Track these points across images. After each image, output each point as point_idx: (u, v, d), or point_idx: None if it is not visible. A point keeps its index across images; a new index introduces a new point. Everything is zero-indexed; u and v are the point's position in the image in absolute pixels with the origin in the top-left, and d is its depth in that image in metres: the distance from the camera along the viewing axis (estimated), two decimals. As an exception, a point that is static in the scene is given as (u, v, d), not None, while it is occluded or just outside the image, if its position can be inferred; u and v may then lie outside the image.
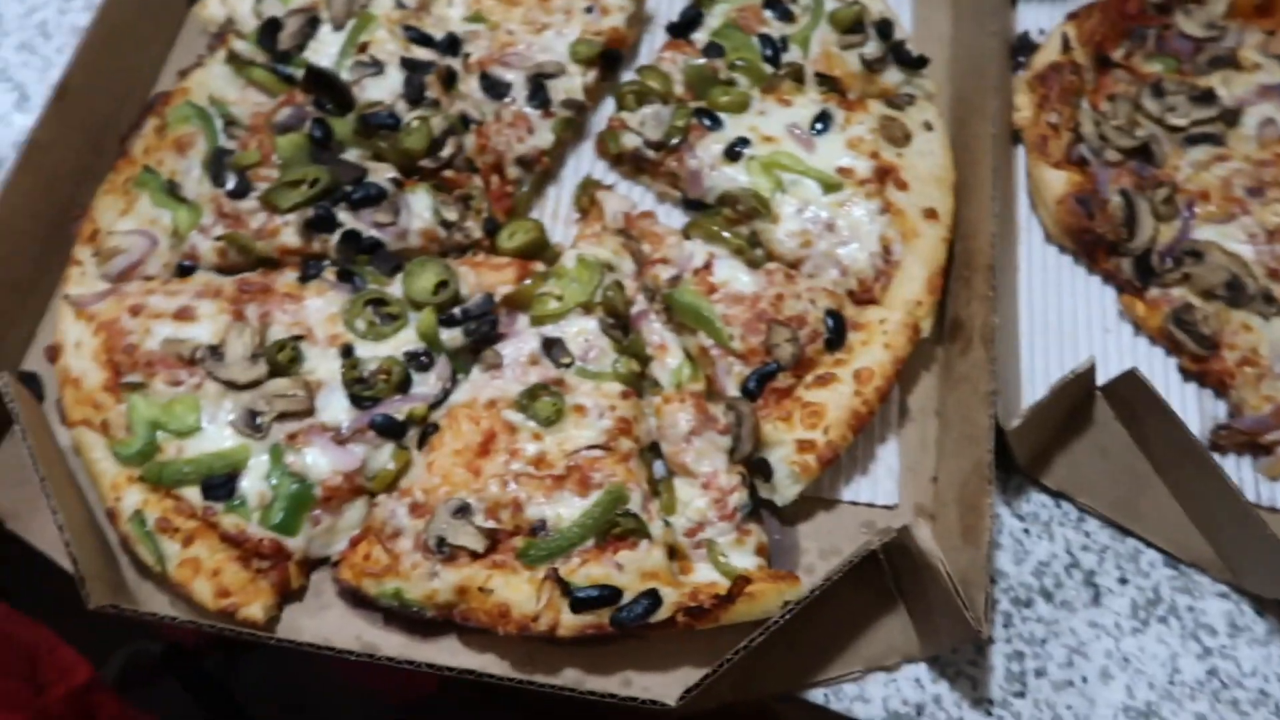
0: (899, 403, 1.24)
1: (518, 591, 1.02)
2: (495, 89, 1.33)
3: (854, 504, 1.18)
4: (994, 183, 1.24)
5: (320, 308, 1.15)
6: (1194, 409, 1.27)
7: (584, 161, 1.40)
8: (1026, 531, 1.19)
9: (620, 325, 1.19)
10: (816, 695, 1.08)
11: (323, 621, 1.08)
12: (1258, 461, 1.23)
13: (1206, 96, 1.41)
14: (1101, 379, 1.18)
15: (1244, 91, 1.43)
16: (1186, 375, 1.29)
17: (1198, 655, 1.13)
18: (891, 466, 1.19)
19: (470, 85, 1.34)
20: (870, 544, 1.00)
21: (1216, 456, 1.23)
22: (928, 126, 1.36)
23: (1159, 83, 1.43)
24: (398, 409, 1.11)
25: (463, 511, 1.05)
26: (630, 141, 1.34)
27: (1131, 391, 1.13)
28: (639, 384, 1.17)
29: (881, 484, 1.19)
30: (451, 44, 1.36)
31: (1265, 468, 1.22)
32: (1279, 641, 1.14)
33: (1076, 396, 1.17)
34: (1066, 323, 1.32)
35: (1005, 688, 1.10)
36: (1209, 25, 1.49)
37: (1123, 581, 1.17)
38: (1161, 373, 1.29)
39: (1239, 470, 1.23)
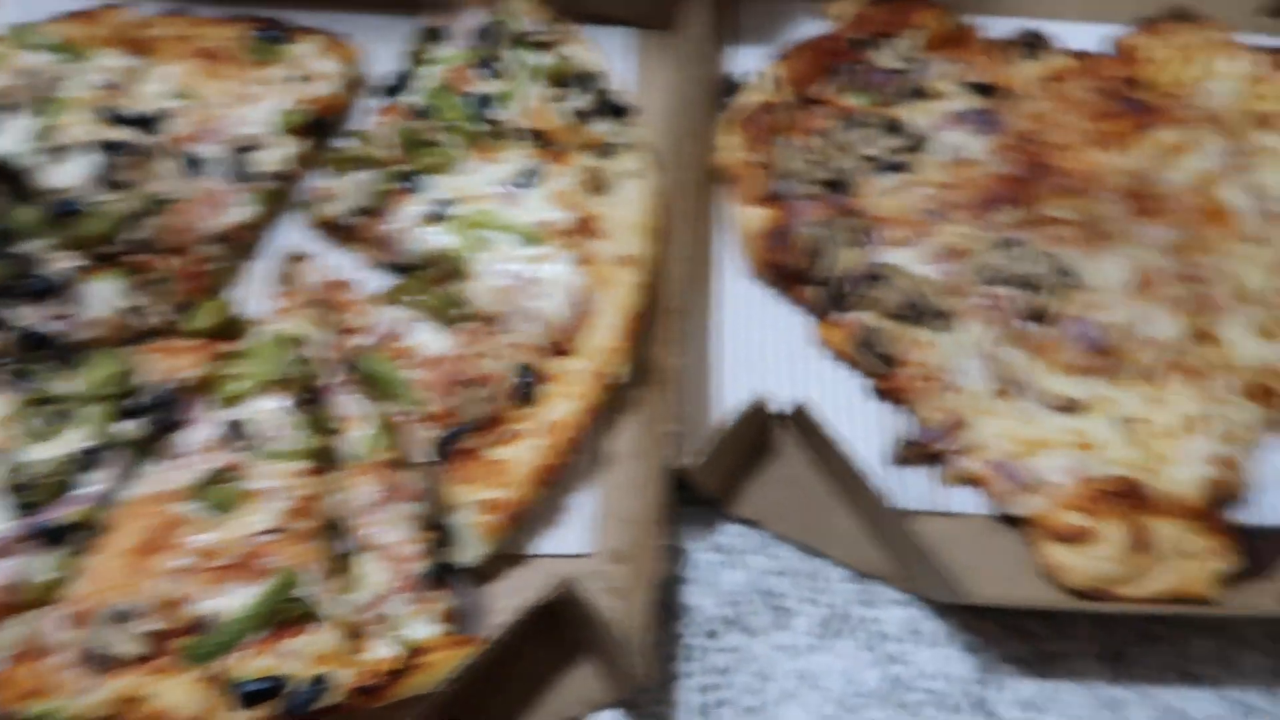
0: (599, 449, 1.14)
1: (182, 694, 0.89)
2: (195, 166, 1.19)
3: (549, 557, 1.07)
4: (685, 228, 1.15)
5: (-11, 411, 1.00)
6: (883, 426, 1.19)
7: (292, 232, 1.26)
8: (720, 563, 1.10)
9: (309, 399, 1.07)
10: (508, 753, 0.98)
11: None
12: (937, 471, 1.16)
13: (896, 126, 1.34)
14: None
15: (932, 120, 1.36)
16: (878, 394, 1.21)
17: (876, 664, 1.06)
18: (586, 515, 1.09)
19: (170, 163, 1.19)
20: (530, 603, 0.90)
21: (900, 469, 1.17)
22: (631, 174, 1.26)
23: (852, 115, 1.35)
24: (62, 513, 0.96)
25: (122, 617, 0.91)
26: (334, 209, 1.21)
27: (804, 421, 1.05)
28: (327, 459, 1.04)
29: (575, 533, 1.08)
30: (152, 121, 1.21)
31: (943, 476, 1.16)
32: (951, 642, 1.08)
33: (756, 429, 1.08)
34: (769, 354, 1.23)
35: (694, 723, 1.02)
36: (902, 59, 1.41)
37: (809, 600, 1.09)
38: (855, 394, 1.21)
39: (921, 481, 1.16)
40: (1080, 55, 1.46)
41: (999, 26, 1.52)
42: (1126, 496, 1.09)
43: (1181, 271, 1.25)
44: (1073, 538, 1.08)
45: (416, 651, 0.92)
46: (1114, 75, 1.44)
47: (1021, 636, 1.09)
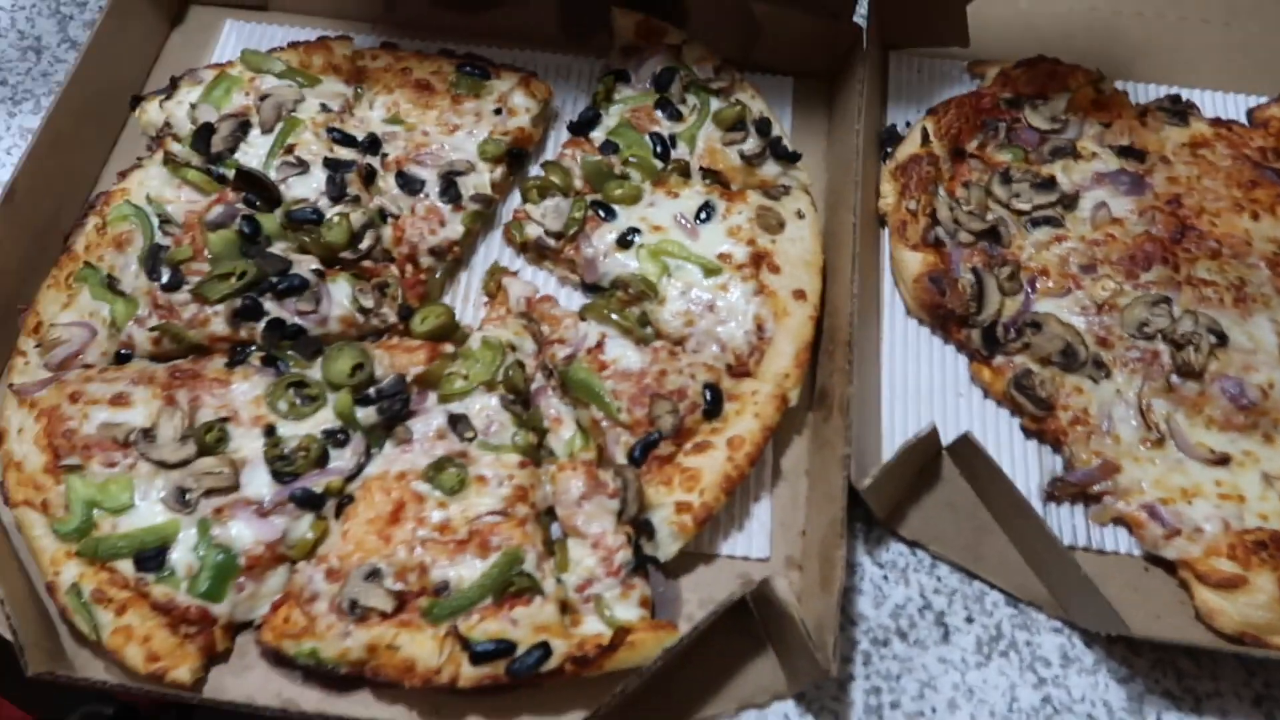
0: (772, 464, 1.33)
1: (422, 648, 1.09)
2: (410, 186, 1.42)
3: (731, 558, 1.27)
4: (853, 267, 1.35)
5: (246, 391, 1.23)
6: (1034, 464, 1.38)
7: (493, 248, 1.49)
8: (885, 578, 1.29)
9: (520, 401, 1.28)
10: (696, 733, 1.17)
11: (246, 681, 1.14)
12: (1089, 510, 1.34)
13: (1048, 183, 1.54)
14: (954, 438, 1.28)
15: (1081, 178, 1.56)
16: (1028, 434, 1.40)
17: (1034, 685, 1.23)
18: (764, 523, 1.29)
19: (388, 182, 1.43)
20: (733, 596, 1.09)
21: (1053, 506, 1.35)
22: (799, 215, 1.47)
23: (1007, 171, 1.56)
24: (316, 482, 1.18)
25: (374, 575, 1.13)
26: (533, 231, 1.44)
27: (968, 452, 1.24)
28: (536, 454, 1.26)
29: (755, 539, 1.28)
30: (372, 144, 1.45)
31: (1095, 515, 1.34)
32: (1104, 670, 1.24)
33: (925, 456, 1.27)
34: (924, 388, 1.42)
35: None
36: (1052, 119, 1.62)
37: (969, 620, 1.27)
38: (1007, 432, 1.40)
39: (1073, 518, 1.34)
40: (1221, 123, 1.67)
41: (1144, 93, 1.73)
42: (1277, 549, 1.26)
43: (1329, 341, 1.42)
44: (1225, 584, 1.25)
45: (623, 631, 1.12)
46: (1255, 145, 1.64)
47: (1171, 673, 1.25)
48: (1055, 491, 1.34)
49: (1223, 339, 1.39)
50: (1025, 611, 1.28)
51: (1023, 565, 1.28)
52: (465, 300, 1.44)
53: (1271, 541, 1.26)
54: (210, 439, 1.18)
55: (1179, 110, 1.67)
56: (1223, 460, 1.34)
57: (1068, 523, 1.34)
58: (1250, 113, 1.73)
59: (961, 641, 1.25)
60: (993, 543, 1.29)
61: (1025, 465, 1.38)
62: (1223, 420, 1.36)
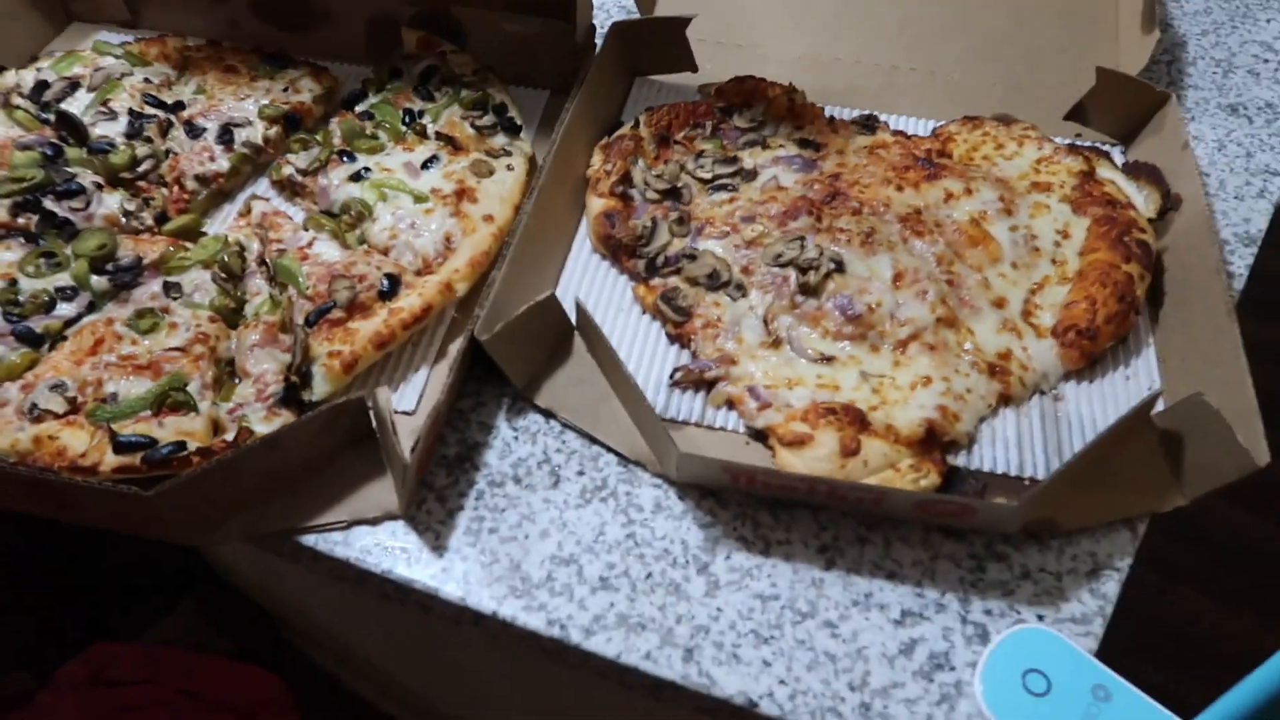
0: (440, 346, 1.40)
1: (76, 439, 1.17)
2: (194, 132, 1.57)
3: (387, 411, 1.33)
4: (532, 200, 1.46)
5: (3, 256, 1.35)
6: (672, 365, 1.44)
7: (259, 190, 1.62)
8: (516, 438, 1.34)
9: (231, 279, 1.38)
10: (309, 539, 1.21)
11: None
12: (707, 396, 1.39)
13: (732, 160, 1.65)
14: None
15: (763, 160, 1.67)
16: (671, 339, 1.46)
17: (623, 524, 1.26)
18: (417, 387, 1.35)
19: (179, 131, 1.58)
20: (348, 398, 1.16)
21: (677, 393, 1.40)
22: (509, 168, 1.58)
23: (702, 153, 1.67)
24: (38, 324, 1.29)
25: (58, 388, 1.21)
26: (287, 170, 1.57)
27: (583, 320, 1.31)
28: (232, 317, 1.35)
29: (406, 397, 1.34)
30: (177, 107, 1.61)
31: (711, 399, 1.39)
32: (689, 518, 1.27)
33: (549, 324, 1.34)
34: (591, 305, 1.50)
35: (462, 539, 1.23)
36: (751, 119, 1.74)
37: (580, 473, 1.31)
38: (655, 339, 1.46)
39: (692, 402, 1.39)
40: (904, 134, 1.77)
41: (846, 115, 1.84)
42: (848, 417, 1.30)
43: (940, 275, 1.49)
44: (796, 442, 1.29)
45: (246, 430, 1.19)
46: (924, 148, 1.73)
47: (750, 523, 1.28)
48: (679, 379, 1.40)
49: (842, 267, 1.46)
50: (633, 470, 1.32)
51: (633, 428, 1.33)
52: (223, 225, 1.56)
53: (842, 409, 1.30)
54: (-51, 286, 1.29)
55: (869, 125, 1.78)
56: (829, 359, 1.39)
57: (687, 405, 1.39)
58: (934, 130, 1.82)
59: (568, 488, 1.29)
60: (609, 409, 1.34)
61: (664, 367, 1.43)
62: (836, 331, 1.42)
